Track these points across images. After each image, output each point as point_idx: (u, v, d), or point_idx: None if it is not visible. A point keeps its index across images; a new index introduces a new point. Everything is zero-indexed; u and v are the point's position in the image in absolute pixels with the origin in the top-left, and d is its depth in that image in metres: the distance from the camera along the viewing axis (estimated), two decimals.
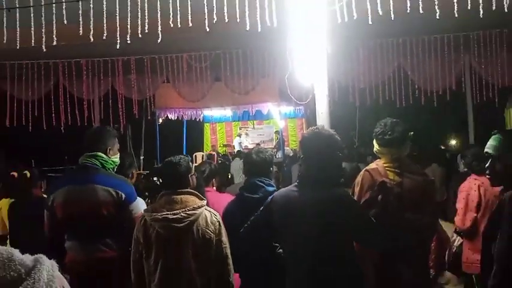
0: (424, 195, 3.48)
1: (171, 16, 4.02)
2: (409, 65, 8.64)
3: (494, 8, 3.80)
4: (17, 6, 4.04)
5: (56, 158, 14.42)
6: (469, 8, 3.76)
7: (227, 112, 15.41)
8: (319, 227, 2.84)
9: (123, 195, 3.52)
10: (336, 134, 3.06)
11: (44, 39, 4.12)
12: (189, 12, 4.00)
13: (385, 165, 3.54)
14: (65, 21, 4.04)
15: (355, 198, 3.33)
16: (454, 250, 5.02)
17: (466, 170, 5.41)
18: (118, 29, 4.13)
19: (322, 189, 2.94)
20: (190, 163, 3.52)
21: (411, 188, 3.43)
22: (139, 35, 4.11)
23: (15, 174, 4.84)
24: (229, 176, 9.81)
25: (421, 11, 3.79)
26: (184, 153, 11.59)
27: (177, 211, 3.13)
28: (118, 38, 4.16)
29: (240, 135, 16.19)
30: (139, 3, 3.99)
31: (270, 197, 3.12)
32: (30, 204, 4.51)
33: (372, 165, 3.61)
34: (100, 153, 3.63)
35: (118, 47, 4.19)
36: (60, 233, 3.62)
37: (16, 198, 4.68)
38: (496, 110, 10.94)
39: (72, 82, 9.13)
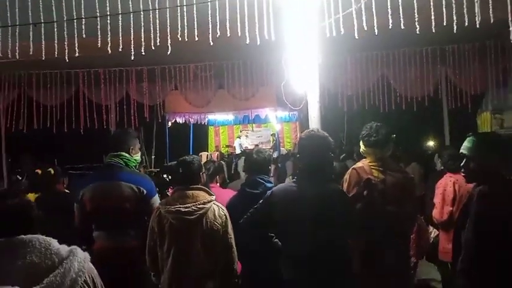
0: (405, 191, 3.49)
1: (179, 31, 4.02)
2: (392, 74, 8.64)
3: (466, 24, 3.80)
4: (42, 21, 4.03)
5: (76, 157, 14.42)
6: (444, 24, 3.77)
7: (229, 116, 15.45)
8: (316, 218, 2.85)
9: (145, 191, 3.53)
10: (328, 136, 3.07)
11: (66, 51, 4.12)
12: (195, 27, 4.00)
13: (370, 164, 3.55)
14: (85, 35, 4.04)
15: None
16: (431, 241, 5.03)
17: (442, 168, 5.42)
18: (132, 42, 4.13)
19: (318, 184, 2.96)
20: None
21: (393, 184, 3.44)
22: (152, 47, 4.11)
23: (40, 171, 4.84)
24: (233, 172, 9.83)
25: (402, 27, 3.79)
26: (191, 153, 11.58)
27: (189, 205, 3.14)
28: (132, 50, 4.16)
29: (240, 137, 16.16)
30: (151, 20, 4.00)
31: (270, 191, 3.12)
32: (54, 199, 4.50)
33: (359, 164, 3.62)
34: (124, 153, 3.64)
35: (132, 58, 4.19)
36: (88, 223, 3.63)
37: (41, 193, 4.67)
38: (468, 115, 10.93)
39: (91, 89, 9.11)
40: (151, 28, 4.03)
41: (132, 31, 4.07)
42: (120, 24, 4.05)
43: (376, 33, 3.98)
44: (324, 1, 3.84)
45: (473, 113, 11.65)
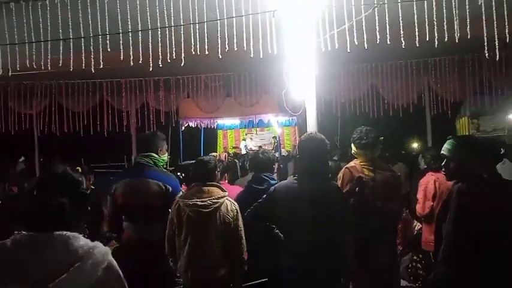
0: (392, 188, 3.49)
1: (192, 46, 4.04)
2: (380, 84, 8.62)
3: (446, 40, 3.80)
4: (71, 37, 4.06)
5: (100, 157, 14.46)
6: (427, 39, 3.77)
7: (236, 121, 15.44)
8: (315, 211, 2.85)
9: (170, 188, 3.53)
10: (325, 139, 3.07)
11: (92, 63, 4.14)
12: (206, 42, 4.01)
13: (361, 163, 3.55)
14: (109, 49, 4.05)
15: None
16: (414, 233, 5.03)
17: (425, 167, 5.41)
18: (151, 55, 4.14)
19: (316, 181, 2.95)
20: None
21: (382, 181, 3.44)
22: (168, 60, 4.13)
23: (80, 168, 4.86)
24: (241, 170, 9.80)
25: (388, 42, 3.79)
26: (202, 154, 11.59)
27: (205, 199, 3.15)
28: (151, 63, 4.17)
29: (245, 140, 16.15)
30: (167, 36, 4.01)
31: (273, 187, 3.12)
32: None
33: (351, 164, 3.62)
34: (153, 154, 3.65)
35: (150, 70, 4.20)
36: (118, 215, 3.63)
37: None
38: (448, 120, 10.91)
39: (113, 97, 9.14)
40: (167, 43, 4.04)
41: (150, 46, 4.08)
42: (140, 39, 4.07)
43: (366, 48, 3.97)
44: (319, 19, 3.84)
45: (453, 118, 11.66)
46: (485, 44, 3.68)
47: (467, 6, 3.55)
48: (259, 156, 3.79)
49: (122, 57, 4.10)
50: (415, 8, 3.66)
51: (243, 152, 14.99)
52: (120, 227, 3.60)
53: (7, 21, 4.02)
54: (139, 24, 4.00)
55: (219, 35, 3.97)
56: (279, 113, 12.53)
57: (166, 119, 9.84)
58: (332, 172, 3.93)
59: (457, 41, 3.75)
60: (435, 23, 3.64)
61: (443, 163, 2.55)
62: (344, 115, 9.53)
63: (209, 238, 3.13)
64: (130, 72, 8.18)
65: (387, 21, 3.73)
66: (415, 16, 3.68)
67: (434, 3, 3.59)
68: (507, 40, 3.63)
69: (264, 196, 3.10)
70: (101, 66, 4.18)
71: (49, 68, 4.29)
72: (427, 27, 3.68)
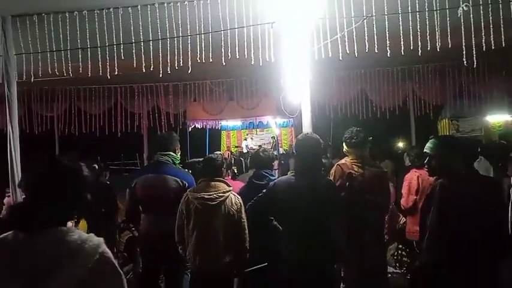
0: (380, 182, 3.49)
1: (198, 54, 4.05)
2: (369, 89, 8.64)
3: (429, 48, 3.81)
4: (89, 47, 4.06)
5: (115, 156, 14.45)
6: (411, 48, 3.77)
7: (238, 122, 15.45)
8: (312, 204, 2.85)
9: (186, 184, 3.52)
10: (320, 139, 3.07)
11: (108, 70, 4.14)
12: (211, 51, 4.02)
13: (351, 161, 3.55)
14: (123, 57, 4.06)
15: None
16: (400, 225, 5.02)
17: (409, 164, 5.40)
18: (161, 63, 4.14)
19: (313, 177, 2.95)
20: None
21: (370, 177, 3.44)
22: (176, 67, 4.13)
23: (97, 165, 4.86)
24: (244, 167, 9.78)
25: (376, 51, 3.80)
26: (207, 152, 11.59)
27: (212, 193, 3.15)
28: (161, 69, 4.18)
29: (246, 139, 16.12)
30: (175, 45, 4.01)
31: (273, 182, 3.11)
32: (98, 189, 4.52)
33: (342, 161, 3.62)
34: (171, 153, 3.64)
35: (161, 76, 4.21)
36: (136, 207, 3.64)
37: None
38: (431, 122, 10.91)
39: (127, 101, 9.16)
40: (176, 52, 4.05)
41: (160, 54, 4.08)
42: (151, 49, 4.07)
43: (356, 56, 3.99)
44: (314, 30, 3.85)
45: (435, 120, 11.65)
46: (464, 52, 3.68)
47: (448, 18, 3.56)
48: (260, 155, 3.79)
49: (135, 65, 4.11)
50: (400, 20, 3.66)
51: (244, 150, 14.98)
52: (135, 219, 3.61)
53: (30, 32, 4.03)
54: (151, 35, 4.00)
55: (222, 44, 3.98)
56: (277, 115, 12.55)
57: (175, 120, 9.84)
58: (326, 168, 3.93)
59: (438, 49, 3.76)
60: (419, 34, 3.64)
61: (426, 160, 2.55)
62: (336, 117, 9.54)
63: (215, 228, 3.13)
64: (143, 78, 8.19)
65: (375, 32, 3.74)
66: (401, 27, 3.69)
67: (418, 16, 3.60)
68: (484, 49, 3.64)
69: (264, 190, 3.10)
70: (116, 72, 4.19)
71: (69, 75, 4.31)
72: (411, 38, 3.68)
